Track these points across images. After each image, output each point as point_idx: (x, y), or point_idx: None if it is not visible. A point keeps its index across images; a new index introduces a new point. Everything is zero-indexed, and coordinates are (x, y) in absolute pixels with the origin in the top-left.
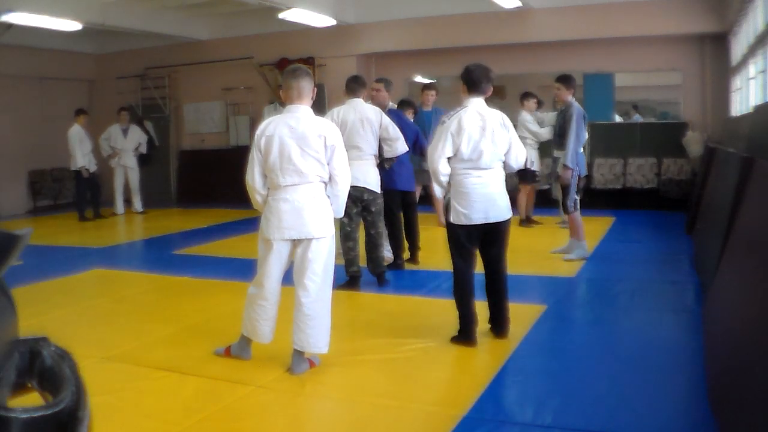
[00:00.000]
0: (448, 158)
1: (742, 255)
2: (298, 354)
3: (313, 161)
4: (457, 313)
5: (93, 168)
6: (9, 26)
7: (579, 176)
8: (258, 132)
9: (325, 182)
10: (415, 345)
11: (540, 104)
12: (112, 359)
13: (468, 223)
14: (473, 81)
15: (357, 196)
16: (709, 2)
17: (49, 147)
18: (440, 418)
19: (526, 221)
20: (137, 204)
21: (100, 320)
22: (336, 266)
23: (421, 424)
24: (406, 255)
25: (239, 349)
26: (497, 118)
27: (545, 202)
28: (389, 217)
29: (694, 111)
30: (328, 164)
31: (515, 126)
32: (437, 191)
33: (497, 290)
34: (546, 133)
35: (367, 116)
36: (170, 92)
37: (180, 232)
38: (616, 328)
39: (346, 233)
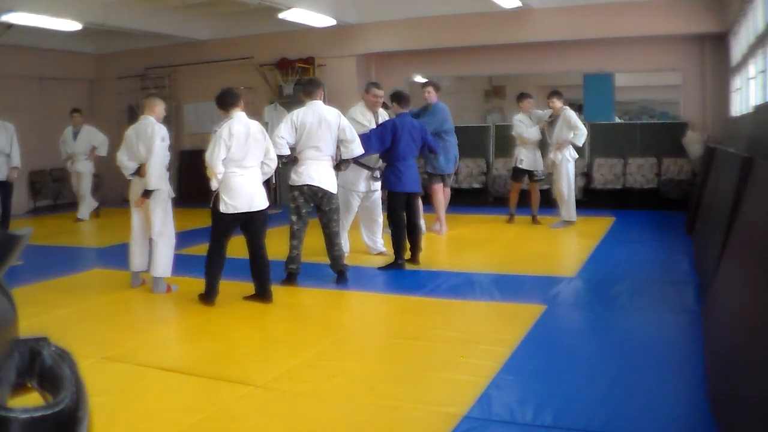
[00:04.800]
0: (222, 159)
1: (742, 255)
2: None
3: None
4: (206, 280)
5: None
6: (9, 26)
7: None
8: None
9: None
10: (414, 345)
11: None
12: (112, 359)
13: (234, 212)
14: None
15: (310, 195)
16: (709, 2)
17: (49, 147)
18: (440, 418)
19: (532, 221)
20: None
21: (100, 320)
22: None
23: (421, 424)
24: (407, 255)
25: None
26: (257, 126)
27: (545, 202)
28: (393, 217)
29: (694, 111)
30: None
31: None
32: (215, 184)
33: (258, 267)
34: (532, 133)
35: (325, 117)
36: (170, 92)
37: (180, 232)
38: (616, 328)
39: (293, 231)
